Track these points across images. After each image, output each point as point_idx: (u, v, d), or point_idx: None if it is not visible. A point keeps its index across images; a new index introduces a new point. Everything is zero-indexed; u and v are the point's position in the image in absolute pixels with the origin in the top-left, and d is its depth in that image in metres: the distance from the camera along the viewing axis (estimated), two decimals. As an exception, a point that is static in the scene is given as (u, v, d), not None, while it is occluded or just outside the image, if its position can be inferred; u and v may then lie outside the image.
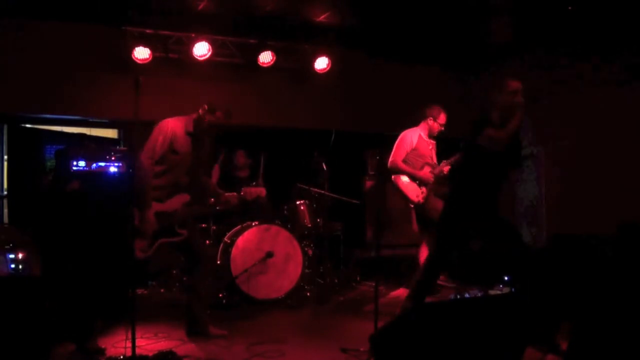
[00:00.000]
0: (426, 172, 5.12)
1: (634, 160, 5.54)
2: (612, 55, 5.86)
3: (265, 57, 6.19)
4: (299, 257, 5.13)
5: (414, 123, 5.33)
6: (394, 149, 5.13)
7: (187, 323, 3.96)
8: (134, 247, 3.55)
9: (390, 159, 5.12)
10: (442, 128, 5.29)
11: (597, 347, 2.67)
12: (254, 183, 5.50)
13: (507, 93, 4.03)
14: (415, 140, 5.15)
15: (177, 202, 3.83)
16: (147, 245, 3.71)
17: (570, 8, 5.41)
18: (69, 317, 3.60)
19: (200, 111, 3.86)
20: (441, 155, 5.28)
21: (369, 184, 6.22)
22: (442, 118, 5.29)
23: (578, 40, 6.10)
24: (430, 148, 5.25)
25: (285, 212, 5.73)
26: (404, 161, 5.10)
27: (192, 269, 3.98)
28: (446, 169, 5.19)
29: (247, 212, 5.37)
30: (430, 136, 5.29)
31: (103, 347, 3.56)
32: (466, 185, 4.15)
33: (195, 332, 3.92)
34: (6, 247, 4.43)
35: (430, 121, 5.25)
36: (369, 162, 6.86)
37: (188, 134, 3.85)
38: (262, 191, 4.16)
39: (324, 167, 5.65)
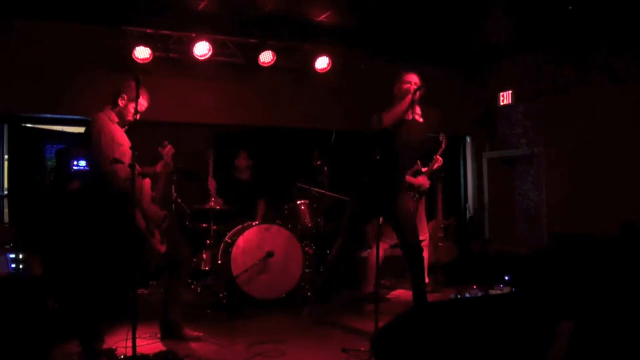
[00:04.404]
0: (421, 179, 5.09)
1: (634, 160, 5.54)
2: (613, 55, 5.86)
3: (266, 57, 6.19)
4: (299, 257, 5.13)
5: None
6: None
7: (162, 326, 3.94)
8: (152, 248, 3.57)
9: None
10: (422, 120, 5.22)
11: (597, 347, 2.67)
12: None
13: (402, 82, 4.36)
14: None
15: (147, 188, 3.75)
16: (162, 236, 3.71)
17: (570, 8, 5.40)
18: (75, 317, 3.60)
19: (120, 102, 3.68)
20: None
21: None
22: (417, 109, 5.16)
23: (578, 40, 6.10)
24: None
25: (286, 212, 5.73)
26: None
27: (170, 268, 3.90)
28: (438, 160, 5.19)
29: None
30: None
31: (113, 347, 3.56)
32: (369, 174, 4.40)
33: (170, 335, 3.89)
34: (6, 247, 4.45)
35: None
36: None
37: (119, 124, 3.70)
38: (170, 147, 4.08)
39: (325, 167, 5.65)
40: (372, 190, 4.36)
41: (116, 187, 3.43)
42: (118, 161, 3.45)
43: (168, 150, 3.93)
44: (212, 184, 5.50)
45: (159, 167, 3.87)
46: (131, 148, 3.53)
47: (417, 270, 4.40)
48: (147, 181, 3.76)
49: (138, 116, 3.65)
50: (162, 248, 3.68)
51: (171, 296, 3.89)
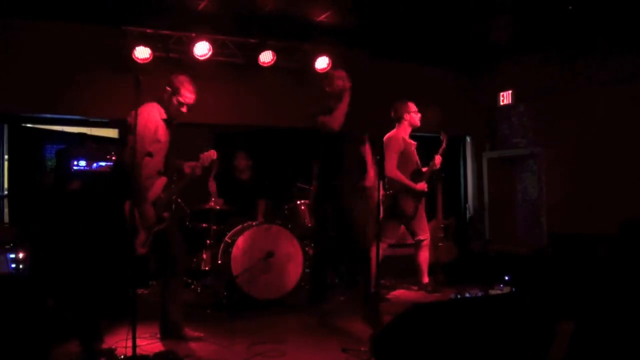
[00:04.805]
0: (421, 185, 5.12)
1: (634, 159, 5.54)
2: (612, 55, 5.86)
3: (266, 57, 6.19)
4: (299, 257, 5.12)
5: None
6: (385, 157, 4.96)
7: (161, 326, 3.90)
8: (134, 246, 3.54)
9: (386, 168, 4.96)
10: (420, 115, 5.24)
11: (597, 347, 2.67)
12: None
13: (334, 79, 4.47)
14: (401, 144, 5.10)
15: (159, 187, 3.74)
16: (146, 239, 3.68)
17: (570, 8, 5.41)
18: (75, 317, 3.60)
19: (164, 96, 3.69)
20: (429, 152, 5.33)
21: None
22: (413, 107, 5.22)
23: (578, 40, 6.10)
24: (412, 150, 5.22)
25: (286, 212, 5.73)
26: (397, 167, 5.07)
27: (166, 268, 3.86)
28: (438, 160, 5.21)
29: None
30: (411, 135, 5.24)
31: (113, 347, 3.55)
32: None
33: (170, 335, 3.86)
34: (6, 247, 4.45)
35: (407, 116, 5.18)
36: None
37: (164, 120, 3.71)
38: (213, 153, 4.08)
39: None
40: (324, 193, 4.51)
41: (134, 176, 3.44)
42: (149, 154, 3.45)
43: (208, 157, 3.90)
44: (212, 185, 5.50)
45: (187, 167, 3.88)
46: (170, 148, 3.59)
47: (364, 272, 4.51)
48: (161, 181, 3.74)
49: (184, 109, 3.72)
50: (142, 250, 3.63)
51: (169, 296, 3.87)
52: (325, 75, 4.63)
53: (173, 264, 3.86)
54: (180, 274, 4.03)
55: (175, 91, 3.67)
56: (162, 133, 3.69)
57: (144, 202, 3.60)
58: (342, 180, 4.51)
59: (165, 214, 3.77)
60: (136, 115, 3.23)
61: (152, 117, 3.62)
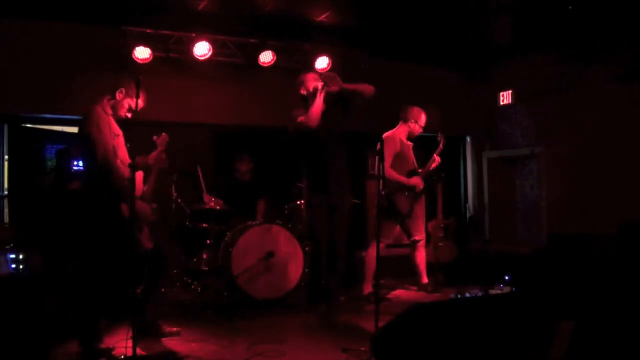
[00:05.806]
0: (415, 180, 5.11)
1: (634, 160, 5.54)
2: (612, 55, 5.86)
3: (266, 57, 6.19)
4: (299, 257, 5.13)
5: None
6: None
7: (140, 327, 3.81)
8: (141, 242, 3.55)
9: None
10: (422, 130, 5.27)
11: (597, 347, 2.67)
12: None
13: (307, 82, 4.49)
14: (398, 145, 5.11)
15: (139, 181, 3.75)
16: (150, 233, 3.69)
17: (570, 7, 5.40)
18: (75, 316, 3.60)
19: (118, 96, 3.72)
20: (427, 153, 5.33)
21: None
22: (423, 119, 5.25)
23: (578, 40, 6.10)
24: (409, 150, 5.24)
25: (286, 212, 5.73)
26: (392, 167, 5.07)
27: (157, 266, 3.87)
28: (437, 159, 5.22)
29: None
30: (409, 138, 5.26)
31: (111, 346, 3.55)
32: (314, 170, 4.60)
33: (148, 334, 3.82)
34: (6, 247, 4.45)
35: (411, 124, 5.21)
36: (369, 162, 6.86)
37: (112, 116, 3.73)
38: (165, 136, 4.06)
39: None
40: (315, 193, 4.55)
41: (114, 179, 3.45)
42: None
43: (162, 139, 3.92)
44: (207, 198, 5.47)
45: (151, 159, 3.87)
46: (128, 144, 3.55)
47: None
48: (140, 174, 3.76)
49: (130, 115, 3.70)
50: (149, 244, 3.66)
51: (145, 296, 3.83)
52: (298, 80, 4.62)
53: (164, 261, 3.89)
54: (165, 272, 4.02)
55: (129, 95, 3.70)
56: (115, 127, 3.70)
57: (134, 200, 3.59)
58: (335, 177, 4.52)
59: (154, 205, 3.79)
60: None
61: (100, 116, 3.63)
